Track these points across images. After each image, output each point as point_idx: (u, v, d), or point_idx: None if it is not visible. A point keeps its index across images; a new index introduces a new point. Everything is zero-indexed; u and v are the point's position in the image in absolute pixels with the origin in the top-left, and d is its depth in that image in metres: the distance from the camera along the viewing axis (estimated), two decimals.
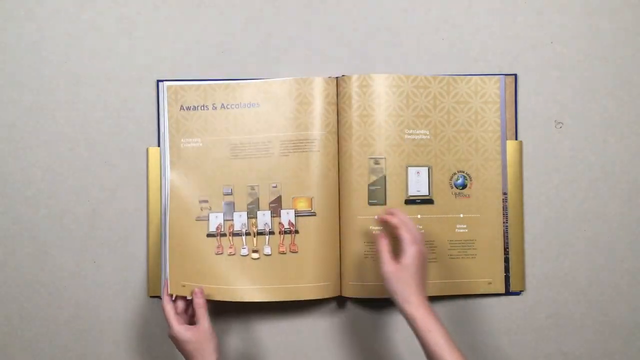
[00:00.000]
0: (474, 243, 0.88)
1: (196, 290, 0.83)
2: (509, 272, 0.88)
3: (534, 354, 0.90)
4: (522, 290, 0.89)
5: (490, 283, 0.88)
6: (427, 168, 0.87)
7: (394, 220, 0.78)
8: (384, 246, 0.77)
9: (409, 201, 0.87)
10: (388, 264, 0.75)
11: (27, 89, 0.90)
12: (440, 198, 0.88)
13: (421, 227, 0.87)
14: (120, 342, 0.90)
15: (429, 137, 0.87)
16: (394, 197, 0.86)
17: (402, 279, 0.73)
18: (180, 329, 0.78)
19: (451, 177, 0.87)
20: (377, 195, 0.86)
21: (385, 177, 0.86)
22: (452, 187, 0.88)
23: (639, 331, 0.90)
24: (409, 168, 0.87)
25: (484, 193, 0.88)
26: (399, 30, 0.90)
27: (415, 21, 0.90)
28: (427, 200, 0.87)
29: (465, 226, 0.88)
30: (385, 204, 0.86)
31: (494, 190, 0.88)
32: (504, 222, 0.88)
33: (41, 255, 0.90)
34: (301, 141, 0.88)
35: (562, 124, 0.91)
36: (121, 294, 0.90)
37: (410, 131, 0.86)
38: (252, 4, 0.90)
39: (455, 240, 0.88)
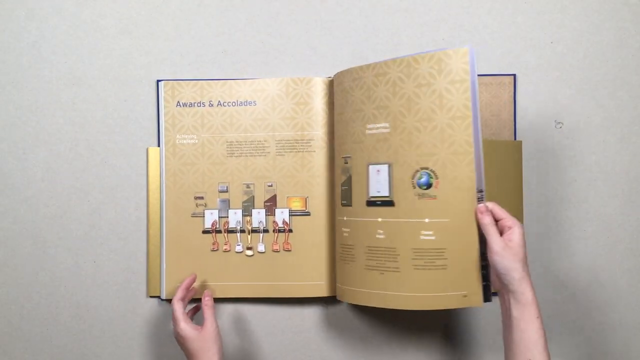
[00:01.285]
0: (443, 252, 0.73)
1: (206, 291, 0.84)
2: (488, 280, 0.75)
3: None
4: None
5: (465, 296, 0.74)
6: (387, 165, 0.77)
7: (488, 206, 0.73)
8: (491, 220, 0.71)
9: (370, 202, 0.78)
10: (499, 241, 0.69)
11: (27, 89, 0.90)
12: (401, 199, 0.75)
13: (382, 232, 0.77)
14: (120, 342, 0.91)
15: (388, 130, 0.76)
16: (358, 198, 0.79)
17: (518, 256, 0.69)
18: (187, 326, 0.78)
19: (413, 175, 0.75)
20: (346, 195, 0.81)
21: (351, 176, 0.81)
22: (414, 187, 0.75)
23: (639, 331, 0.90)
24: (370, 166, 0.78)
25: (453, 193, 0.73)
26: (399, 30, 0.90)
27: (415, 21, 0.91)
28: (387, 202, 0.77)
29: (431, 232, 0.74)
30: (351, 205, 0.81)
31: (466, 190, 0.72)
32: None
33: (41, 255, 0.90)
34: (297, 141, 0.88)
35: (562, 124, 0.91)
36: (121, 294, 0.90)
37: (371, 126, 0.78)
38: (252, 4, 0.91)
39: (421, 249, 0.74)
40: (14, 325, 0.91)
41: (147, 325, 0.90)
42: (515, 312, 0.68)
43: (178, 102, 0.89)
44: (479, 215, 0.72)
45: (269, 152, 0.88)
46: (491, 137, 0.89)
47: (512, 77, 0.90)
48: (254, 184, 0.89)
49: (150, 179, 0.90)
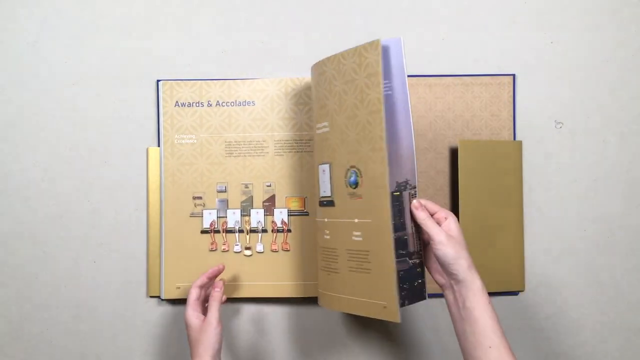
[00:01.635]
0: (367, 255, 0.70)
1: (217, 282, 0.81)
2: (418, 280, 0.72)
3: (533, 354, 0.90)
4: (522, 291, 0.89)
5: (385, 307, 0.69)
6: (328, 165, 0.76)
7: (420, 202, 0.72)
8: (428, 214, 0.70)
9: (320, 202, 0.77)
10: (441, 231, 0.68)
11: (27, 89, 0.90)
12: (339, 199, 0.74)
13: (328, 232, 0.75)
14: (120, 342, 0.91)
15: (328, 129, 0.75)
16: (317, 199, 0.79)
17: (461, 244, 0.68)
18: (190, 313, 0.77)
19: (345, 174, 0.73)
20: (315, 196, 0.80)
21: (315, 177, 0.81)
22: (346, 186, 0.73)
23: (639, 331, 0.90)
24: (319, 166, 0.78)
25: (375, 192, 0.69)
26: (398, 30, 0.90)
27: (416, 21, 0.90)
28: (330, 202, 0.75)
29: (360, 233, 0.71)
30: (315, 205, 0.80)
31: (382, 188, 0.69)
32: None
33: (41, 255, 0.90)
34: (296, 141, 0.88)
35: (562, 124, 0.91)
36: (121, 294, 0.90)
37: (318, 125, 0.77)
38: (252, 4, 0.91)
39: (353, 250, 0.72)
40: (14, 325, 0.91)
41: (146, 325, 0.90)
42: (469, 302, 0.67)
43: (177, 102, 0.89)
44: (415, 212, 0.70)
45: (267, 152, 0.88)
46: (491, 137, 0.89)
47: (512, 77, 0.89)
48: (252, 184, 0.89)
49: (151, 179, 0.90)
